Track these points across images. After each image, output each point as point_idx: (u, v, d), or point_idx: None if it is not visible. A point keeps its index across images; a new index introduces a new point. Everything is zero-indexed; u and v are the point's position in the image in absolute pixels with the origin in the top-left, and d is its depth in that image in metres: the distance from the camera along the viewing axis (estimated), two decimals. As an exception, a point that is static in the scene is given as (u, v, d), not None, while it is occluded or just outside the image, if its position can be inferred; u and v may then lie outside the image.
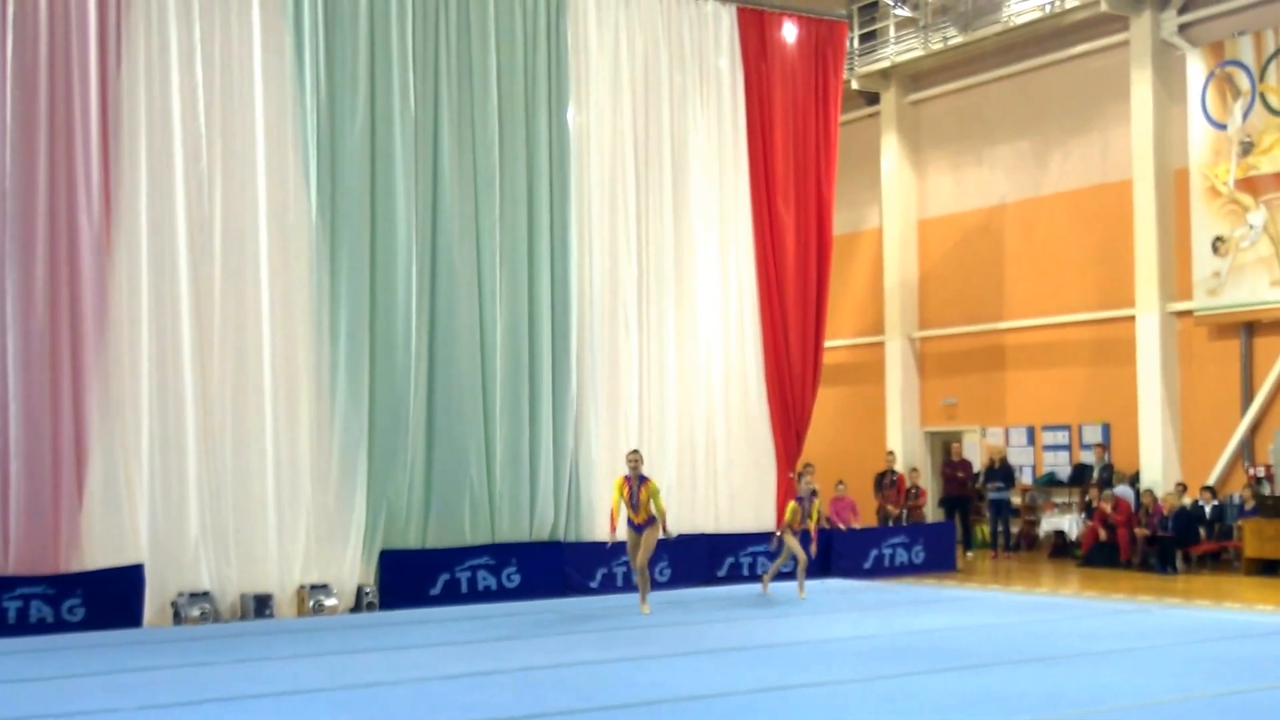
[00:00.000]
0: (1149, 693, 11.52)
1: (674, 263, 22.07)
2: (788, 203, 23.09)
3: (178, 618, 17.24)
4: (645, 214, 21.83)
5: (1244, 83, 23.11)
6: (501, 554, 19.72)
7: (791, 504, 19.60)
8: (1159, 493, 23.39)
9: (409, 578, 18.97)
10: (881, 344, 29.55)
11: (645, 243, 21.81)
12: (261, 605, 17.80)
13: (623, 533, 17.59)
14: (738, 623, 16.86)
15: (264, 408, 18.32)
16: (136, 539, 17.37)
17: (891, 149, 29.28)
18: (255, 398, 18.29)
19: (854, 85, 28.88)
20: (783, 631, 15.94)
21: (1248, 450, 23.55)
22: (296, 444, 18.53)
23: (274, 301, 18.53)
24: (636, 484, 17.32)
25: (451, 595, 19.17)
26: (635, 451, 17.82)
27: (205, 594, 17.52)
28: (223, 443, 18.03)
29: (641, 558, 17.41)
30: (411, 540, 19.33)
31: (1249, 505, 22.15)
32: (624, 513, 17.38)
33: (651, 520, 17.36)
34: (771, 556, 20.92)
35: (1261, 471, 22.95)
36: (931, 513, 27.03)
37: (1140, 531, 22.77)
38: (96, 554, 17.11)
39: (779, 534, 19.70)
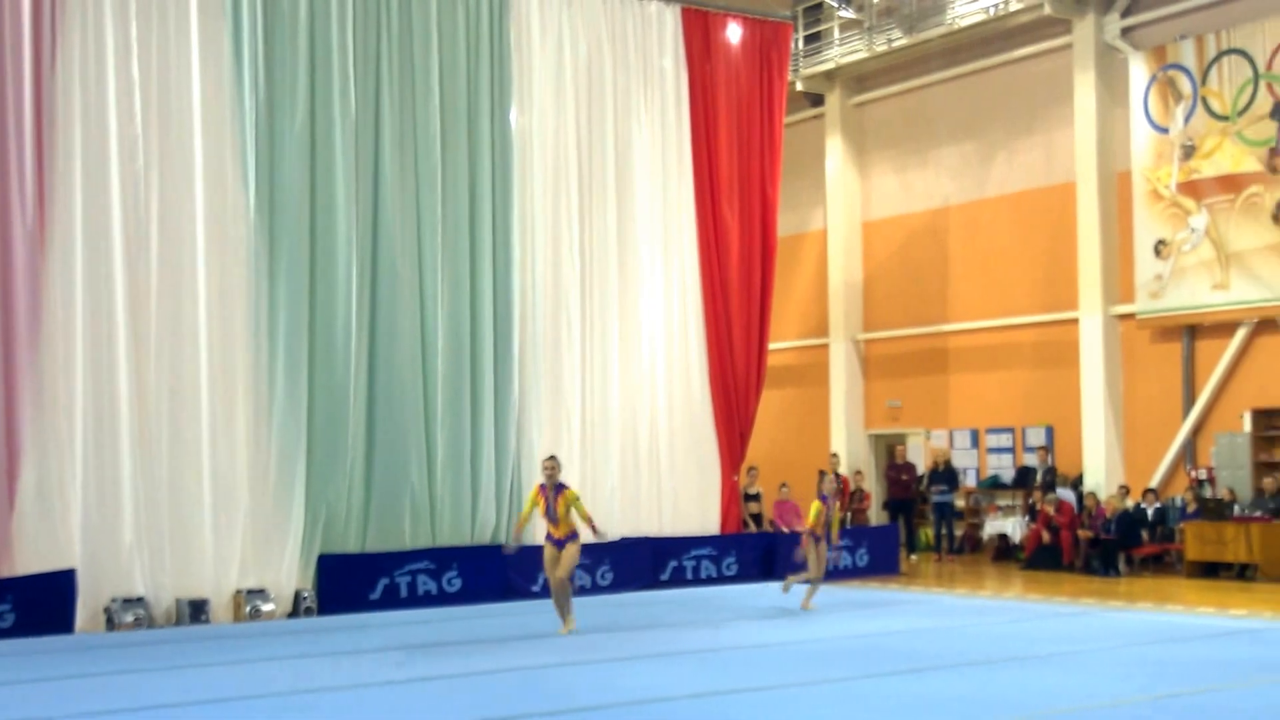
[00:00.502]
0: (1090, 696, 11.55)
1: (617, 264, 22.06)
2: (732, 204, 23.12)
3: (111, 624, 17.07)
4: (588, 215, 21.81)
5: (1186, 86, 23.30)
6: (442, 558, 19.63)
7: (815, 504, 18.22)
8: (1102, 495, 23.54)
9: (348, 582, 18.85)
10: (826, 346, 29.63)
11: (588, 244, 21.79)
12: (197, 611, 17.65)
13: (515, 543, 16.81)
14: (681, 627, 16.82)
15: (200, 410, 18.16)
16: (69, 544, 17.19)
17: (836, 150, 29.36)
18: (192, 400, 18.13)
19: (799, 87, 28.94)
20: (726, 635, 15.93)
21: (1190, 453, 23.74)
22: (234, 446, 18.39)
23: (211, 302, 18.37)
24: (553, 493, 15.63)
25: (391, 600, 19.07)
26: (552, 458, 16.00)
27: (139, 599, 17.35)
28: (158, 445, 17.86)
29: (561, 574, 15.79)
30: (351, 544, 19.22)
31: (1190, 508, 22.31)
32: (544, 526, 16.01)
33: (574, 535, 15.75)
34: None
35: (1203, 474, 23.13)
36: (876, 515, 27.16)
37: (1084, 534, 22.91)
38: (28, 559, 16.92)
39: (803, 535, 18.35)
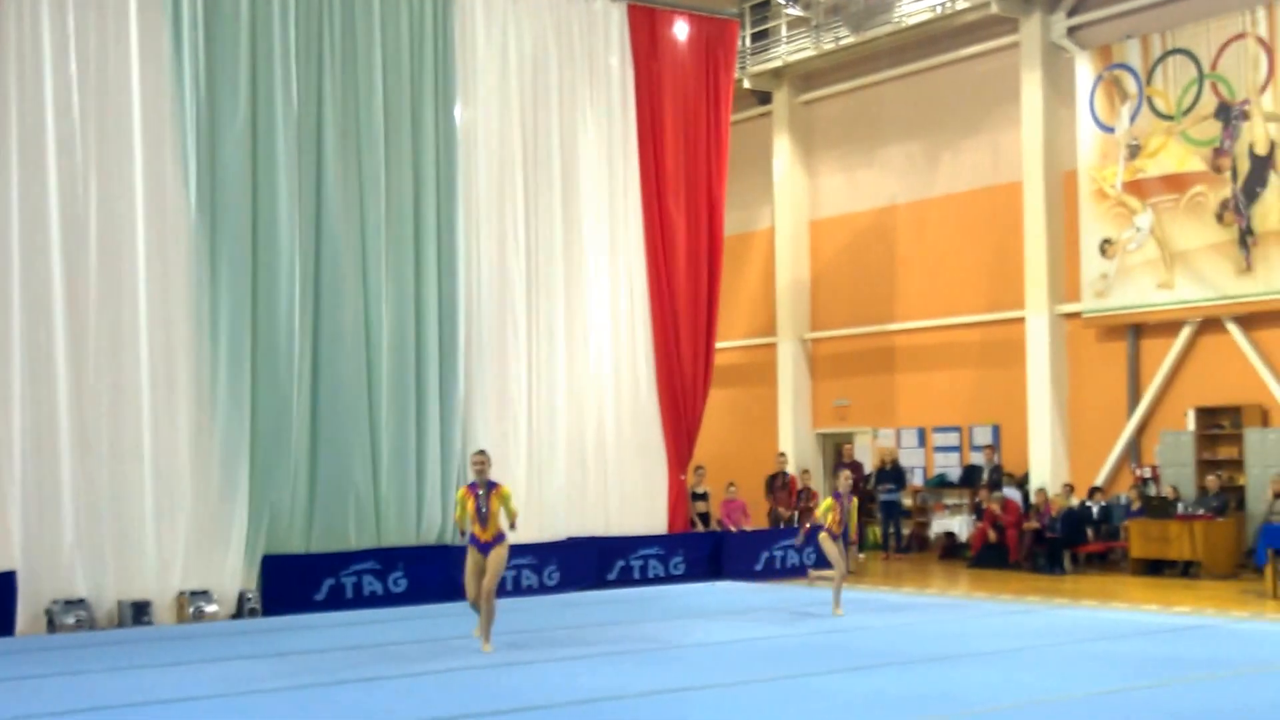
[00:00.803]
0: (1034, 692, 11.64)
1: (563, 262, 22.05)
2: (678, 202, 23.15)
3: (52, 626, 16.95)
4: (534, 213, 21.79)
5: (1131, 86, 23.49)
6: (388, 558, 19.57)
7: (828, 501, 17.53)
8: (1048, 494, 23.70)
9: (292, 583, 18.76)
10: (774, 345, 29.71)
11: (534, 242, 21.76)
12: (139, 612, 17.54)
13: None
14: (627, 625, 16.84)
15: (141, 409, 18.03)
16: (8, 545, 17.04)
17: (783, 149, 29.44)
18: (132, 399, 18.00)
19: (746, 84, 29.00)
20: (672, 634, 15.95)
21: (1134, 451, 23.95)
22: (175, 446, 18.26)
23: (152, 301, 18.23)
24: (485, 491, 14.31)
25: (336, 601, 19.00)
26: (481, 452, 14.79)
27: (80, 601, 17.23)
28: (98, 445, 17.73)
29: (488, 583, 14.38)
30: (295, 545, 19.13)
31: (1135, 506, 22.51)
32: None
33: (500, 537, 14.39)
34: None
35: (1148, 473, 23.34)
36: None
37: (1029, 525, 23.08)
38: (-33, 560, 16.82)
39: (810, 529, 17.80)
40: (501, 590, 19.81)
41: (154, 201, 18.34)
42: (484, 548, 14.39)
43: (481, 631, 14.66)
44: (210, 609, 17.98)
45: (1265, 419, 22.34)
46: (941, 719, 10.55)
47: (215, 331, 18.59)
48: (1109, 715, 10.80)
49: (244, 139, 18.94)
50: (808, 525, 19.41)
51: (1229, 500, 21.91)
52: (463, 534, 14.62)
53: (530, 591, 20.30)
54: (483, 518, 14.31)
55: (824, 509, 17.55)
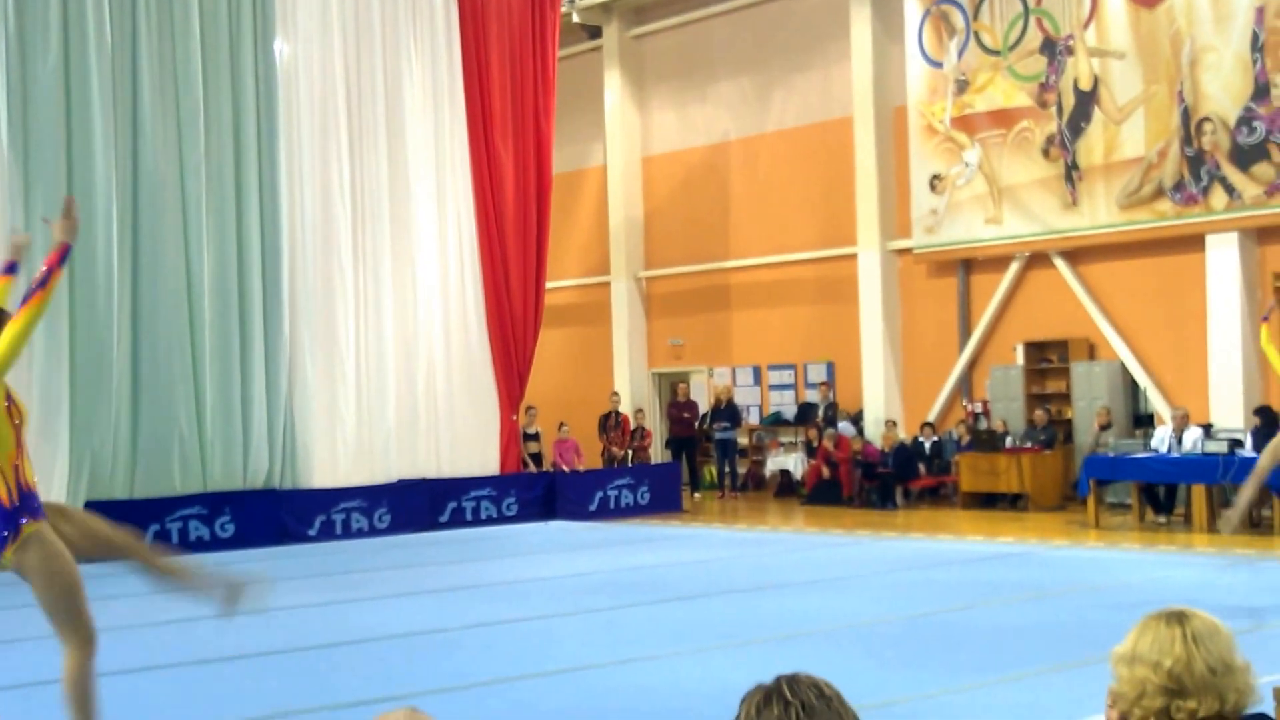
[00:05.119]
0: (850, 617, 12.44)
1: (389, 203, 22.37)
2: (506, 140, 23.57)
3: None
4: (359, 152, 22.05)
5: (959, 21, 24.28)
6: (214, 503, 19.89)
7: None
8: (882, 429, 24.58)
9: (116, 529, 18.97)
10: (607, 284, 30.20)
11: (359, 182, 22.04)
12: (-43, 561, 17.66)
13: None
14: (456, 564, 17.41)
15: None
16: None
17: (614, 84, 29.86)
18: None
19: (575, 19, 29.30)
20: (500, 572, 16.58)
21: (966, 386, 24.89)
22: (-10, 393, 18.32)
23: (-37, 244, 18.29)
24: None
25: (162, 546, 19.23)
26: None
27: (-105, 552, 17.32)
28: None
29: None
30: (118, 491, 19.36)
31: (964, 441, 23.44)
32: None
33: None
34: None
35: (979, 407, 24.30)
36: (659, 454, 27.91)
37: (857, 449, 23.90)
38: None
39: None
40: (331, 533, 20.42)
41: (-37, 142, 18.36)
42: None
43: None
44: (30, 557, 18.11)
45: (1092, 352, 23.35)
46: (755, 642, 11.25)
47: (29, 276, 18.60)
48: (919, 635, 11.61)
49: (57, 81, 18.96)
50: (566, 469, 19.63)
51: (1057, 433, 22.88)
52: None
53: (360, 534, 20.74)
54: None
55: None
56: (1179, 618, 3.57)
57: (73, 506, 6.87)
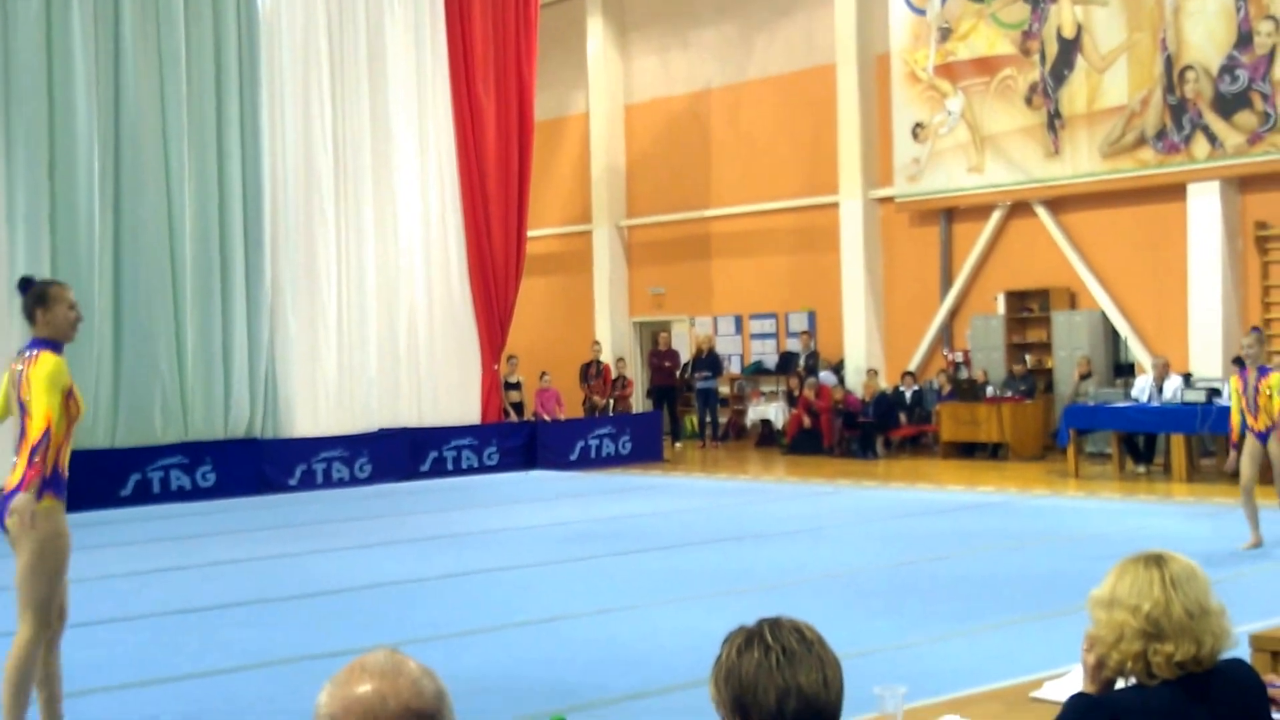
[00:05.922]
0: (829, 566, 12.53)
1: (371, 150, 22.32)
2: (488, 88, 23.51)
3: None
4: (340, 97, 21.99)
5: (943, -32, 24.25)
6: (195, 452, 19.92)
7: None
8: (863, 379, 24.65)
9: (98, 478, 18.92)
10: (589, 233, 30.20)
11: (341, 128, 21.98)
12: (-64, 511, 17.65)
13: None
14: (437, 514, 17.48)
15: (-66, 305, 18.09)
16: None
17: (597, 31, 29.76)
18: (-79, 291, 18.05)
19: (558, -35, 29.27)
20: (480, 521, 16.65)
21: (947, 335, 24.95)
22: (-30, 342, 18.33)
23: (-58, 190, 18.24)
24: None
25: (143, 496, 19.28)
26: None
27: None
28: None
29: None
30: (100, 440, 19.32)
31: (945, 390, 23.53)
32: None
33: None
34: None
35: (959, 357, 24.38)
36: (640, 403, 27.96)
37: (838, 399, 23.99)
38: None
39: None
40: (311, 483, 20.44)
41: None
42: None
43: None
44: (11, 506, 18.12)
45: (1073, 302, 23.42)
46: (735, 591, 11.32)
47: (11, 220, 18.61)
48: (899, 584, 11.70)
49: (38, 24, 18.86)
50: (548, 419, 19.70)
51: (1037, 383, 22.99)
52: None
53: (341, 484, 20.78)
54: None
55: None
56: (1157, 561, 3.60)
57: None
